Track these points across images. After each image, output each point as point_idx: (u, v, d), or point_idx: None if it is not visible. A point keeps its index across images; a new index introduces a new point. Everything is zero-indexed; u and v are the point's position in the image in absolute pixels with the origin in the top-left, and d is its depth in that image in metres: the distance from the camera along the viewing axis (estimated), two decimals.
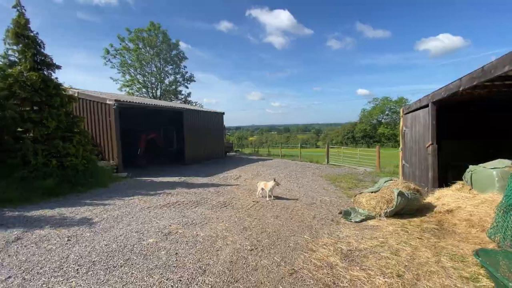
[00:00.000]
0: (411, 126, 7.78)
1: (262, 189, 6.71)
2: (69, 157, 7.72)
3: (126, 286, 2.72)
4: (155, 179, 9.73)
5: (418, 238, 3.90)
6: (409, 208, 5.02)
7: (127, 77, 32.14)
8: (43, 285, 2.76)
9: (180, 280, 2.83)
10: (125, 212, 5.32)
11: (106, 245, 3.70)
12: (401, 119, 8.87)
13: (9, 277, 2.90)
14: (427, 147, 6.26)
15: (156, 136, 15.49)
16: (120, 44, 30.72)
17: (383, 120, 54.71)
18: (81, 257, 3.37)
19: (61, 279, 2.86)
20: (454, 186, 5.66)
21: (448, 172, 6.69)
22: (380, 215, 4.87)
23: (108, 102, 10.69)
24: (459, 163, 6.34)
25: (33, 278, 2.88)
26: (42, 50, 8.36)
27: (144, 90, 33.14)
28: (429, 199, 5.63)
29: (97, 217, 4.98)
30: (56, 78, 8.48)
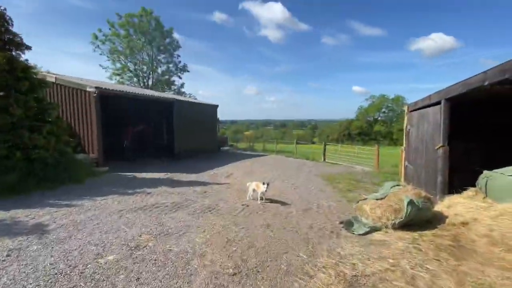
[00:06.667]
0: (417, 124, 7.13)
1: (254, 190, 6.04)
2: (37, 150, 6.87)
3: None
4: (138, 174, 8.94)
5: (434, 259, 3.27)
6: (419, 219, 4.40)
7: (118, 65, 30.78)
8: None
9: None
10: (91, 216, 4.57)
11: (52, 264, 2.96)
12: (406, 117, 8.23)
13: None
14: (437, 148, 5.64)
15: (144, 128, 14.64)
16: (110, 29, 29.23)
17: (379, 118, 54.39)
18: (14, 281, 2.63)
19: None
20: (466, 193, 5.04)
21: (455, 177, 6.09)
22: (386, 227, 4.24)
23: (88, 89, 9.78)
24: (468, 166, 5.75)
25: None
26: (11, 28, 7.46)
27: (135, 79, 31.85)
28: (439, 207, 5.02)
29: (55, 222, 4.22)
30: (26, 60, 7.57)
